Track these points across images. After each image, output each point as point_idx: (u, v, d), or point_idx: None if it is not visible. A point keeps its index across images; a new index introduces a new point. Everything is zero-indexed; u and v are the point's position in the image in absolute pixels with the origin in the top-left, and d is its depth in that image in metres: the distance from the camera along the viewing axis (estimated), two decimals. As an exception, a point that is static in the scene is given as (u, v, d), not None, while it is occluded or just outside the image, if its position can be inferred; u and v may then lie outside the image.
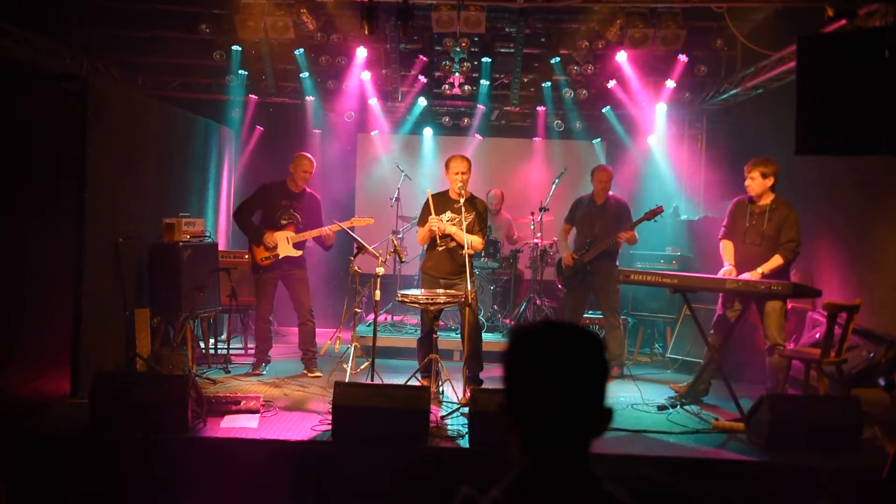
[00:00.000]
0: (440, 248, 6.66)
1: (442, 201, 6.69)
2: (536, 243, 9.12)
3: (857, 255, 6.96)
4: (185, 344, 7.02)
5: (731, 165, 8.60)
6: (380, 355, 6.69)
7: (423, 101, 9.76)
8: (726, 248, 6.50)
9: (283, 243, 7.14)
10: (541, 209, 9.02)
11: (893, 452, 4.09)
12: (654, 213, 7.35)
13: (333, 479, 4.97)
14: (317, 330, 7.41)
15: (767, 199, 6.27)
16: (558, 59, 8.74)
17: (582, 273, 7.70)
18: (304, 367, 7.33)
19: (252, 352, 7.68)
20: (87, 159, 6.22)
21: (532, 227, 9.24)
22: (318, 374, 7.18)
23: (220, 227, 9.28)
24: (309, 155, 7.39)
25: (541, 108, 9.76)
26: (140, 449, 4.99)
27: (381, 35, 8.66)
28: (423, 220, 6.70)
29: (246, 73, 8.92)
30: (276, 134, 10.26)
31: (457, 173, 6.56)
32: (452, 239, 6.59)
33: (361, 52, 8.75)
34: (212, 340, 7.85)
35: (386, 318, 9.38)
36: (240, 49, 8.41)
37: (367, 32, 6.20)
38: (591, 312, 8.40)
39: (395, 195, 9.43)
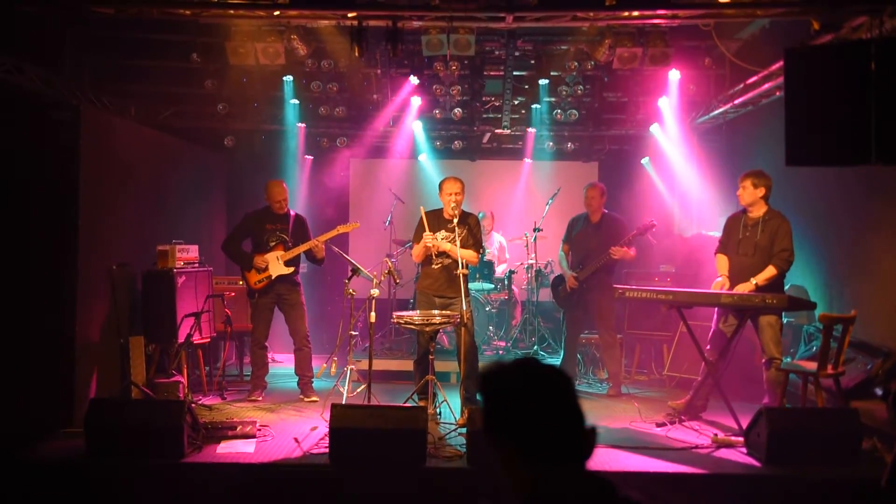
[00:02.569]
0: (436, 267, 6.68)
1: (436, 220, 6.72)
2: (531, 264, 9.13)
3: (851, 266, 6.98)
4: (181, 371, 6.98)
5: (724, 182, 8.64)
6: (376, 379, 6.66)
7: (414, 126, 9.81)
8: (720, 262, 6.53)
9: (274, 262, 7.14)
10: (535, 230, 9.03)
11: (892, 460, 4.08)
12: (646, 229, 7.36)
13: (332, 501, 4.93)
14: (312, 356, 7.38)
15: (760, 211, 6.31)
16: (547, 81, 8.81)
17: (579, 291, 7.69)
18: (300, 392, 7.30)
19: (248, 378, 7.63)
20: (79, 187, 6.23)
21: (526, 247, 9.25)
22: (314, 398, 7.15)
23: (214, 253, 9.26)
24: (278, 180, 7.43)
25: (531, 130, 9.80)
26: (137, 475, 4.95)
27: (372, 60, 8.71)
28: (417, 237, 6.73)
29: (238, 100, 8.96)
30: (268, 160, 10.26)
31: (450, 194, 6.60)
32: (448, 256, 6.61)
33: (353, 78, 8.80)
34: (207, 368, 7.80)
35: (382, 343, 9.34)
36: (231, 76, 8.45)
37: (357, 55, 6.24)
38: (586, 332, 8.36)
39: (389, 219, 9.45)
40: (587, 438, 1.59)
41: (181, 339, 6.90)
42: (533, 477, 1.53)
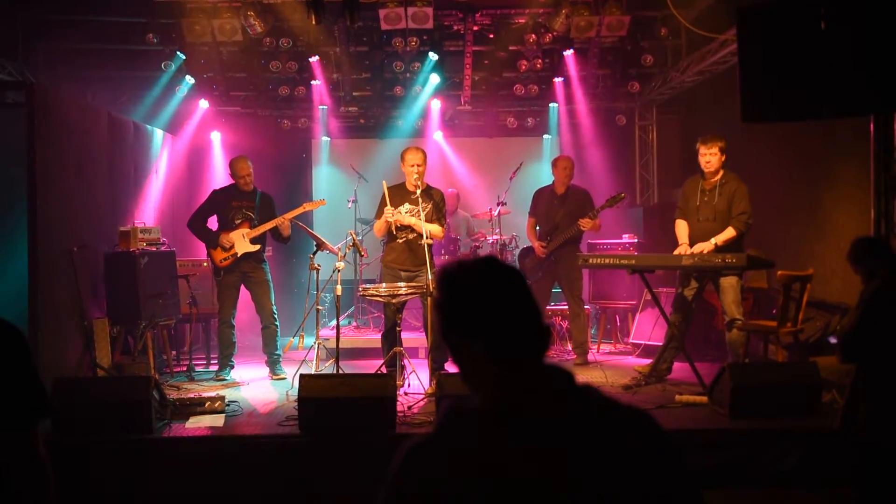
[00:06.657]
0: (400, 241, 6.67)
1: (399, 193, 6.70)
2: (496, 239, 9.16)
3: (806, 226, 7.12)
4: (146, 353, 6.92)
5: (682, 151, 8.76)
6: (344, 356, 6.67)
7: (375, 104, 9.79)
8: (680, 228, 6.57)
9: (240, 240, 7.09)
10: (498, 204, 9.07)
11: (842, 405, 4.21)
12: (615, 200, 7.41)
13: (302, 471, 4.93)
14: (279, 336, 7.36)
15: (717, 175, 6.36)
16: (506, 55, 8.84)
17: (546, 263, 7.74)
18: (268, 370, 7.27)
19: (215, 360, 7.58)
20: (35, 167, 6.13)
21: (490, 222, 9.28)
22: (282, 376, 7.12)
23: (177, 235, 9.18)
24: (243, 157, 7.36)
25: (492, 106, 9.83)
26: (105, 453, 4.91)
27: (331, 39, 8.68)
28: (379, 212, 6.69)
29: (195, 81, 8.88)
30: (230, 142, 10.20)
31: (412, 165, 6.58)
32: (412, 230, 6.60)
33: (312, 58, 8.77)
34: (174, 352, 7.74)
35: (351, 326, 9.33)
36: (184, 57, 8.37)
37: (314, 22, 6.21)
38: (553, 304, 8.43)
39: (352, 197, 9.43)
40: (545, 334, 1.61)
41: (145, 321, 6.84)
42: (497, 372, 1.55)
